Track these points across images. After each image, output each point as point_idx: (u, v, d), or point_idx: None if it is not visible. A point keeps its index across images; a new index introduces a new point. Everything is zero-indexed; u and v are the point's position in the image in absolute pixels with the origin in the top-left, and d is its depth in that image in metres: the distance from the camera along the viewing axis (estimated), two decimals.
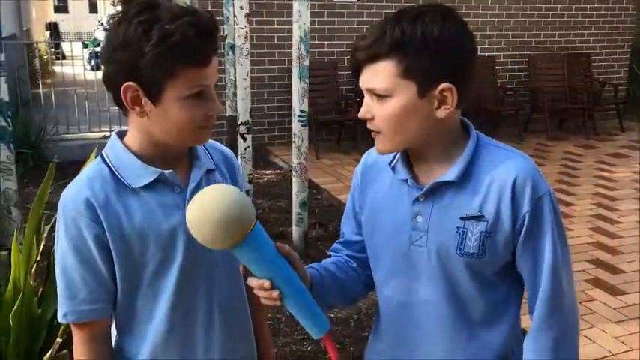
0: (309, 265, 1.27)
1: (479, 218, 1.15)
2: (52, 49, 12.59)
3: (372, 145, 1.25)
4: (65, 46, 12.54)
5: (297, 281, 1.12)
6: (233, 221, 1.01)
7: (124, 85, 1.12)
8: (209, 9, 6.63)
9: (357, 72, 1.16)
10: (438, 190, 1.18)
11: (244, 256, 1.07)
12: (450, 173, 1.17)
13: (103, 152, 1.22)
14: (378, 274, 1.30)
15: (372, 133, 1.19)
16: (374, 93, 1.14)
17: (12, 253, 1.97)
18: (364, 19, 7.23)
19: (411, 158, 1.23)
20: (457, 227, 1.16)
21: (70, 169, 3.29)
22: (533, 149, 7.05)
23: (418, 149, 1.20)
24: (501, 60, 7.95)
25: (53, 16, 20.79)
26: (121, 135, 1.24)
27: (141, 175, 1.18)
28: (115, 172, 1.18)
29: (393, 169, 1.24)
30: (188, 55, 1.09)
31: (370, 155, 1.34)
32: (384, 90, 1.12)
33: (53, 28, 16.97)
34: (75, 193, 1.17)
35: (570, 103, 8.01)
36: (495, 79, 7.80)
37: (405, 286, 1.24)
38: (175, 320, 1.23)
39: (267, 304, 1.11)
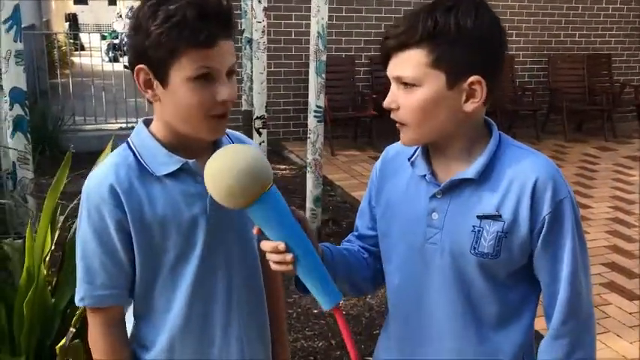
0: (321, 243, 1.25)
1: (496, 218, 1.12)
2: (71, 40, 12.68)
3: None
4: (84, 37, 12.62)
5: (312, 247, 1.10)
6: (256, 170, 1.02)
7: (136, 68, 1.13)
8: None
9: (385, 60, 1.15)
10: (456, 187, 1.16)
11: (261, 215, 1.06)
12: (470, 170, 1.14)
13: (129, 139, 1.23)
14: (390, 269, 1.29)
15: (397, 124, 1.17)
16: (401, 82, 1.12)
17: (26, 242, 1.98)
18: (382, 15, 7.18)
19: (430, 154, 1.21)
20: (473, 226, 1.14)
21: (86, 159, 3.29)
22: (551, 150, 6.97)
23: (440, 144, 1.18)
24: (520, 59, 7.87)
25: (73, 8, 20.94)
26: (148, 122, 1.24)
27: (165, 163, 1.18)
28: (140, 159, 1.19)
29: (412, 164, 1.22)
30: (189, 35, 1.08)
31: (390, 150, 1.33)
32: (412, 79, 1.10)
33: (72, 19, 17.11)
34: (99, 180, 1.18)
35: (589, 105, 7.91)
36: (514, 79, 7.72)
37: (416, 283, 1.22)
38: (193, 310, 1.23)
39: (279, 270, 1.09)
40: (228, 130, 1.31)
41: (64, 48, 9.75)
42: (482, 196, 1.14)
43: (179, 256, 1.20)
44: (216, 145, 1.24)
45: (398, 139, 1.21)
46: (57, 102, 7.08)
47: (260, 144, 4.34)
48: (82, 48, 10.78)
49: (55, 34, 9.33)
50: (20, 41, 2.82)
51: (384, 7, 7.20)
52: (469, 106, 1.12)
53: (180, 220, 1.19)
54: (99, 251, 1.18)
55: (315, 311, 3.26)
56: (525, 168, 1.13)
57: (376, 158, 1.37)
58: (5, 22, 2.74)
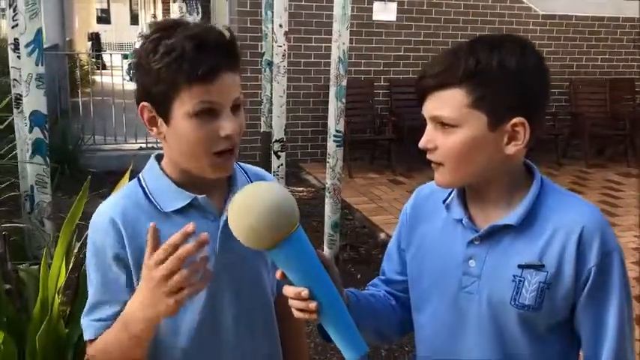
0: (347, 289, 1.19)
1: (538, 267, 1.06)
2: (93, 60, 12.84)
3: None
4: (106, 56, 12.77)
5: (337, 295, 1.04)
6: (283, 208, 0.97)
7: (140, 106, 1.11)
8: (247, 25, 6.69)
9: (421, 99, 1.09)
10: (495, 233, 1.10)
11: (285, 258, 1.00)
12: (511, 216, 1.09)
13: (140, 174, 1.20)
14: (420, 317, 1.22)
15: (432, 165, 1.11)
16: (439, 122, 1.07)
17: (41, 270, 1.94)
18: (402, 38, 7.17)
19: (467, 197, 1.15)
20: (514, 275, 1.07)
21: (106, 179, 3.29)
22: (572, 176, 6.85)
23: (478, 187, 1.12)
24: None
25: (96, 27, 21.23)
26: (160, 158, 1.21)
27: (174, 198, 1.14)
28: (149, 194, 1.16)
29: (447, 207, 1.17)
30: (188, 69, 1.04)
31: (423, 190, 1.27)
32: (451, 119, 1.05)
33: (95, 38, 17.32)
34: (104, 214, 1.15)
35: (612, 129, 7.80)
36: None
37: (449, 334, 1.16)
38: (200, 356, 1.17)
39: (302, 318, 1.03)
40: (244, 165, 1.27)
41: (85, 67, 9.87)
42: (523, 244, 1.08)
43: None
44: (230, 182, 1.20)
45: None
46: (78, 121, 7.13)
47: (278, 167, 4.30)
48: (104, 67, 10.90)
49: (77, 54, 9.45)
50: (42, 65, 2.82)
51: (404, 31, 7.18)
52: (511, 149, 1.06)
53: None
54: (101, 285, 1.15)
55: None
56: (571, 215, 1.07)
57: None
58: (27, 45, 2.75)
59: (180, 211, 1.14)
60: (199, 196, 1.14)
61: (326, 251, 4.12)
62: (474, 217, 1.14)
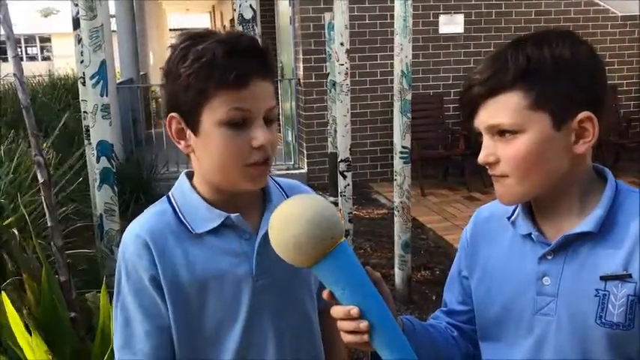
0: (402, 315, 1.09)
1: (625, 278, 0.93)
2: None
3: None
4: None
5: (390, 314, 0.94)
6: (326, 221, 0.90)
7: (167, 117, 1.06)
8: (311, 47, 6.71)
9: (472, 111, 1.00)
10: (570, 244, 0.97)
11: (331, 274, 0.92)
12: (586, 223, 0.96)
13: (170, 192, 1.14)
14: (490, 348, 1.09)
15: (494, 179, 1.01)
16: (498, 131, 0.97)
17: (100, 297, 1.93)
18: (471, 50, 6.97)
19: (535, 210, 1.03)
20: (596, 289, 0.94)
21: None
22: None
23: (547, 197, 1.00)
24: (624, 88, 7.35)
25: None
26: (190, 175, 1.14)
27: (206, 218, 1.07)
28: (179, 213, 1.09)
29: (513, 223, 1.05)
30: (218, 75, 0.99)
31: (483, 210, 1.16)
32: (512, 125, 0.95)
33: None
34: (134, 236, 1.07)
35: None
36: (618, 109, 7.20)
37: None
38: None
39: (352, 341, 0.93)
40: (277, 179, 1.19)
41: (160, 99, 10.22)
42: (604, 252, 0.95)
43: (220, 324, 1.08)
44: (265, 198, 1.13)
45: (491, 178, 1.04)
46: (151, 151, 7.35)
47: (345, 187, 4.21)
48: None
49: (150, 86, 9.81)
50: (106, 96, 2.88)
51: (473, 42, 6.99)
52: (580, 148, 0.96)
53: (222, 283, 1.06)
54: (141, 316, 1.07)
55: None
56: None
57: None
58: (92, 77, 2.80)
59: (212, 232, 1.08)
60: (232, 215, 1.07)
61: (396, 273, 3.97)
62: (543, 231, 1.02)
